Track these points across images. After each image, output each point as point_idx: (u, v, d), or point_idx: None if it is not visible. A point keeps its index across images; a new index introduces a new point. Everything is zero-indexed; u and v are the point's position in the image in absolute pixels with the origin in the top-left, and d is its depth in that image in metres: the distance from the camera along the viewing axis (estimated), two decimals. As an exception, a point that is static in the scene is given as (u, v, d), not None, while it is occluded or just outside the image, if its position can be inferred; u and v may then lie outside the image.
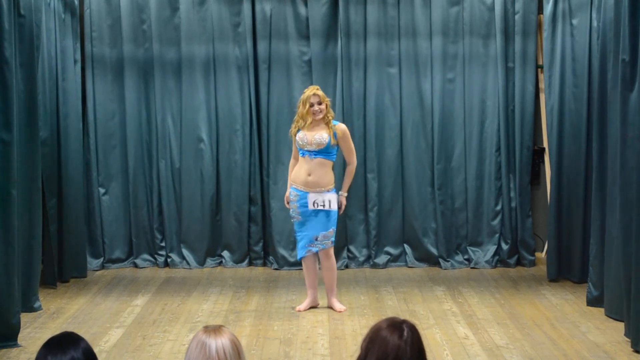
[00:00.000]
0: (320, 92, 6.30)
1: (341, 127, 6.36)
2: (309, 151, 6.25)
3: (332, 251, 6.40)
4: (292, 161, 6.56)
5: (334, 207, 6.30)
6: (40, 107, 6.53)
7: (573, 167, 7.28)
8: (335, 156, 6.40)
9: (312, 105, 6.24)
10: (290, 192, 6.37)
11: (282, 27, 7.93)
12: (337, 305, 6.45)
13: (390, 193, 8.04)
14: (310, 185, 6.26)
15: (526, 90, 7.95)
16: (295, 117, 6.39)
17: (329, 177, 6.32)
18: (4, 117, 5.47)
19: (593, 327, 5.88)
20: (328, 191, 6.28)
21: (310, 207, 6.24)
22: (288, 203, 6.43)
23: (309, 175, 6.26)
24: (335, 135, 6.28)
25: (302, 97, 6.36)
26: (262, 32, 7.93)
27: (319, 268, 6.60)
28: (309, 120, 6.25)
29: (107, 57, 7.95)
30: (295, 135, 6.35)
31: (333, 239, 6.36)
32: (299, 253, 6.42)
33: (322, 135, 6.22)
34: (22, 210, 5.94)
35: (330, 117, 6.31)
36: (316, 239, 6.28)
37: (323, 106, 6.26)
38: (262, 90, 7.98)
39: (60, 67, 7.25)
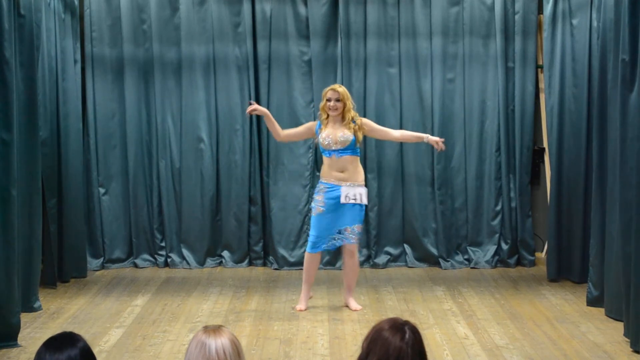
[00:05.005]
0: (340, 90, 6.30)
1: (364, 121, 6.35)
2: (335, 150, 6.24)
3: (356, 249, 6.40)
4: (284, 131, 6.50)
5: (365, 200, 6.31)
6: (40, 107, 6.52)
7: (573, 167, 7.28)
8: (359, 151, 6.39)
9: (329, 100, 6.26)
10: (318, 185, 6.35)
11: (282, 27, 7.93)
12: (353, 304, 6.44)
13: (390, 193, 8.04)
14: (342, 179, 6.26)
15: (526, 90, 7.95)
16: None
17: (360, 171, 6.35)
18: (4, 117, 5.47)
19: (593, 327, 5.88)
20: (360, 185, 6.29)
21: (343, 200, 6.21)
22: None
23: (342, 172, 6.25)
24: (355, 135, 6.24)
25: (323, 91, 6.42)
26: (262, 32, 7.93)
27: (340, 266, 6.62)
28: (324, 115, 6.28)
29: (107, 57, 7.95)
30: (316, 135, 6.35)
31: (360, 235, 6.37)
32: (317, 245, 6.32)
33: (345, 133, 6.22)
34: (22, 210, 5.94)
35: (350, 117, 6.26)
36: (339, 232, 6.27)
37: (340, 104, 6.25)
38: (262, 90, 7.99)
39: (60, 67, 7.25)
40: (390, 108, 7.99)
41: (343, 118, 6.28)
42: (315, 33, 7.90)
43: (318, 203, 6.30)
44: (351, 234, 6.29)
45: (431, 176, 8.02)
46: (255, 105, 6.47)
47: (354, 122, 6.27)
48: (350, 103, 6.31)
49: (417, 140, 6.62)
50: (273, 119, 6.51)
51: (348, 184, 6.24)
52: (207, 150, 7.99)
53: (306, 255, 6.46)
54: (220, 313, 6.37)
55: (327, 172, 6.31)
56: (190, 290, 7.11)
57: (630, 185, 5.46)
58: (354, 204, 6.24)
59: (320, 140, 6.28)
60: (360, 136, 6.29)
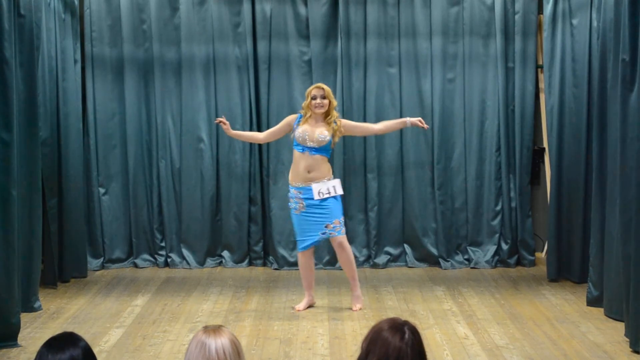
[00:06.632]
0: (326, 88, 6.30)
1: (342, 122, 6.37)
2: (309, 148, 6.24)
3: (345, 240, 6.35)
4: (262, 133, 6.70)
5: (340, 191, 6.29)
6: (40, 107, 6.53)
7: (573, 167, 7.28)
8: (330, 153, 6.42)
9: (314, 97, 6.24)
10: (290, 192, 6.35)
11: (282, 27, 7.93)
12: (356, 303, 6.42)
13: (390, 193, 8.04)
14: (310, 180, 6.26)
15: (526, 90, 7.95)
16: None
17: (327, 168, 6.34)
18: (4, 117, 5.47)
19: (593, 327, 5.88)
20: (329, 179, 6.29)
21: (316, 197, 6.22)
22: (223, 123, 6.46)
23: (309, 172, 6.25)
24: (334, 135, 6.26)
25: (307, 90, 6.42)
26: (262, 32, 7.93)
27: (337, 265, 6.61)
28: (309, 113, 6.26)
29: (107, 57, 7.96)
30: (293, 129, 6.33)
31: (343, 226, 6.33)
32: (305, 243, 6.32)
33: (324, 133, 6.22)
34: (22, 210, 5.94)
35: (332, 117, 6.28)
36: (326, 227, 6.26)
37: (326, 101, 6.25)
38: (262, 90, 7.99)
39: (60, 67, 7.25)
40: (390, 108, 7.99)
41: (326, 115, 6.28)
42: (315, 33, 7.90)
43: (299, 203, 6.29)
44: (334, 228, 6.26)
45: (431, 176, 8.02)
46: (225, 122, 6.49)
47: (335, 122, 6.28)
48: (334, 101, 6.32)
49: (400, 126, 6.63)
50: (240, 132, 6.79)
51: (316, 181, 6.24)
52: (207, 150, 7.99)
53: (299, 256, 6.47)
54: (220, 313, 6.37)
55: (295, 173, 6.29)
56: (190, 290, 7.11)
57: (630, 185, 5.46)
58: (329, 198, 6.23)
59: (296, 134, 6.26)
60: (337, 138, 6.30)
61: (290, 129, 6.37)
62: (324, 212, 6.23)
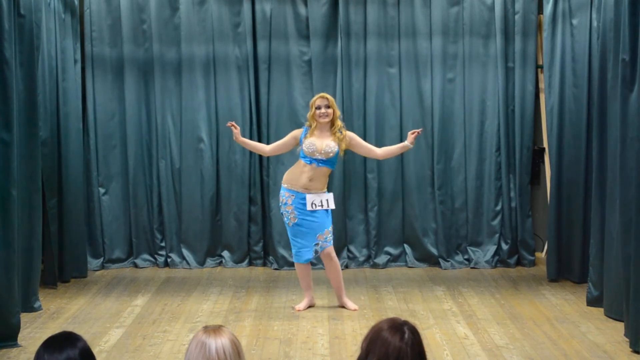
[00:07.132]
0: (329, 97, 6.29)
1: (349, 134, 6.36)
2: (316, 159, 6.24)
3: (333, 251, 6.37)
4: (269, 146, 6.60)
5: (332, 205, 6.32)
6: (40, 107, 6.53)
7: (573, 167, 7.28)
8: (336, 164, 6.43)
9: (318, 107, 6.24)
10: (282, 193, 6.36)
11: (282, 27, 7.94)
12: (350, 304, 6.44)
13: (390, 193, 8.04)
14: (309, 188, 6.26)
15: (526, 90, 7.95)
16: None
17: (325, 182, 6.37)
18: (4, 117, 5.47)
19: (593, 327, 5.88)
20: (323, 192, 6.30)
21: (309, 208, 6.23)
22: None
23: (310, 181, 6.25)
24: (339, 147, 6.26)
25: (311, 100, 6.41)
26: (262, 32, 7.93)
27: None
28: (314, 124, 6.26)
29: (107, 57, 7.96)
30: (300, 142, 6.32)
31: (331, 237, 6.34)
32: (303, 255, 6.32)
33: (330, 145, 6.21)
34: (22, 210, 5.94)
35: (337, 127, 6.27)
36: (318, 237, 6.26)
37: (330, 110, 6.24)
38: (262, 90, 7.99)
39: (60, 67, 7.25)
40: (390, 108, 7.99)
41: (332, 125, 6.27)
42: (315, 33, 7.90)
43: (290, 213, 6.29)
44: (326, 239, 6.27)
45: (431, 176, 8.02)
46: (236, 127, 6.46)
47: (340, 132, 6.27)
48: (338, 110, 6.32)
49: (401, 150, 6.54)
50: (249, 142, 6.66)
51: (312, 192, 6.25)
52: (207, 150, 7.99)
53: (296, 265, 6.48)
54: (220, 313, 6.37)
55: (295, 178, 6.29)
56: (190, 290, 7.11)
57: (630, 185, 5.46)
58: (321, 210, 6.25)
59: (304, 147, 6.25)
60: (344, 147, 6.28)
61: (297, 143, 6.37)
62: (315, 220, 6.24)
